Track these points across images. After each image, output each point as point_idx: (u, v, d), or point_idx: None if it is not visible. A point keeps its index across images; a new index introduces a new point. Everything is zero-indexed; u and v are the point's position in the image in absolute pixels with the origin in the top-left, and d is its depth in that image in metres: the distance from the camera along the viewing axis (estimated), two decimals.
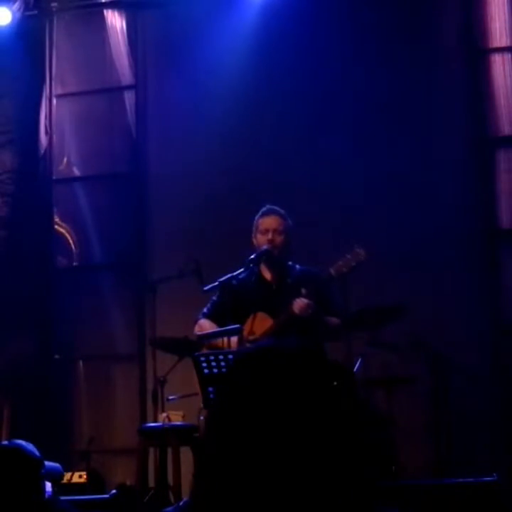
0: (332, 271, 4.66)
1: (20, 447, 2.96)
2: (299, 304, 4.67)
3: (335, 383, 1.28)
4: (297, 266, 5.03)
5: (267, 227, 4.99)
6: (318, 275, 4.81)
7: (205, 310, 5.11)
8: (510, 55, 6.27)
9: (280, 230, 4.99)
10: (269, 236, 4.96)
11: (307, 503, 1.18)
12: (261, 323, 4.82)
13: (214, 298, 5.08)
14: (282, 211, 5.06)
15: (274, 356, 1.25)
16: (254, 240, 5.09)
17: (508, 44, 6.25)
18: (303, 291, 4.69)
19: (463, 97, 6.24)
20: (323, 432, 1.21)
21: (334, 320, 4.89)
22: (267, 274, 5.09)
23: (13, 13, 6.79)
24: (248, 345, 4.71)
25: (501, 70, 6.24)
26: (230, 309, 4.73)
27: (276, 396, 1.21)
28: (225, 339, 4.63)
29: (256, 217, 5.08)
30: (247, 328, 4.78)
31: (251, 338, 4.79)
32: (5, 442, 3.03)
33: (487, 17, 6.28)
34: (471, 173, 6.14)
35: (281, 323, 4.74)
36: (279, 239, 4.98)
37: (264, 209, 5.07)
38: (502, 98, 6.20)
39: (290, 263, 5.05)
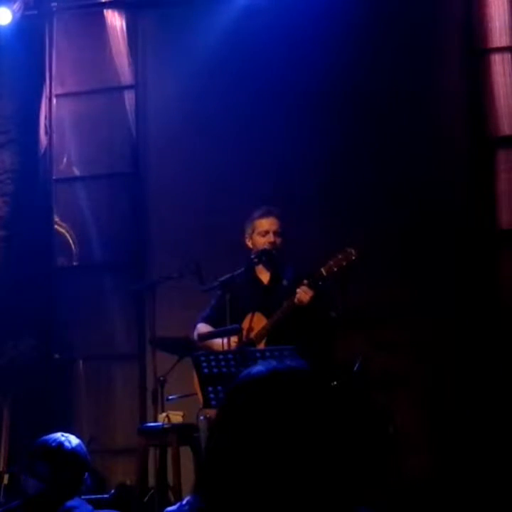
0: (323, 270, 4.68)
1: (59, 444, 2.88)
2: (301, 292, 4.68)
3: (334, 383, 1.30)
4: (291, 268, 5.03)
5: (267, 228, 4.99)
6: (312, 273, 4.82)
7: (203, 314, 5.12)
8: (510, 55, 6.26)
9: (279, 232, 5.00)
10: (271, 238, 4.96)
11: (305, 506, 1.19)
12: (258, 323, 4.84)
13: (212, 302, 5.09)
14: (277, 211, 5.06)
15: (275, 384, 1.26)
16: (248, 242, 5.08)
17: (508, 44, 6.24)
18: (305, 281, 4.70)
19: (463, 97, 6.24)
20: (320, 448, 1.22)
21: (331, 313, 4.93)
22: (263, 275, 5.08)
23: (13, 13, 6.78)
24: (245, 341, 4.72)
25: (501, 70, 6.23)
26: (228, 310, 4.73)
27: (277, 421, 1.22)
28: (225, 341, 4.64)
29: (252, 218, 5.06)
30: (244, 327, 4.79)
31: (249, 336, 4.80)
32: (54, 435, 2.96)
33: (487, 17, 6.27)
34: (471, 173, 6.14)
35: (280, 317, 4.74)
36: (279, 240, 4.99)
37: (261, 210, 5.06)
38: (502, 98, 6.19)
39: (285, 265, 5.05)
